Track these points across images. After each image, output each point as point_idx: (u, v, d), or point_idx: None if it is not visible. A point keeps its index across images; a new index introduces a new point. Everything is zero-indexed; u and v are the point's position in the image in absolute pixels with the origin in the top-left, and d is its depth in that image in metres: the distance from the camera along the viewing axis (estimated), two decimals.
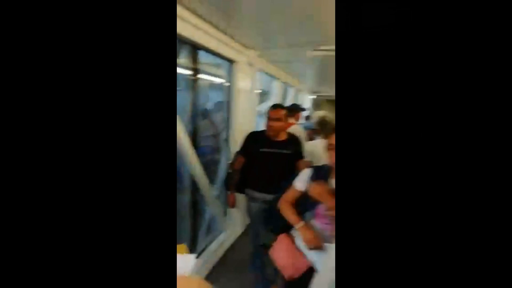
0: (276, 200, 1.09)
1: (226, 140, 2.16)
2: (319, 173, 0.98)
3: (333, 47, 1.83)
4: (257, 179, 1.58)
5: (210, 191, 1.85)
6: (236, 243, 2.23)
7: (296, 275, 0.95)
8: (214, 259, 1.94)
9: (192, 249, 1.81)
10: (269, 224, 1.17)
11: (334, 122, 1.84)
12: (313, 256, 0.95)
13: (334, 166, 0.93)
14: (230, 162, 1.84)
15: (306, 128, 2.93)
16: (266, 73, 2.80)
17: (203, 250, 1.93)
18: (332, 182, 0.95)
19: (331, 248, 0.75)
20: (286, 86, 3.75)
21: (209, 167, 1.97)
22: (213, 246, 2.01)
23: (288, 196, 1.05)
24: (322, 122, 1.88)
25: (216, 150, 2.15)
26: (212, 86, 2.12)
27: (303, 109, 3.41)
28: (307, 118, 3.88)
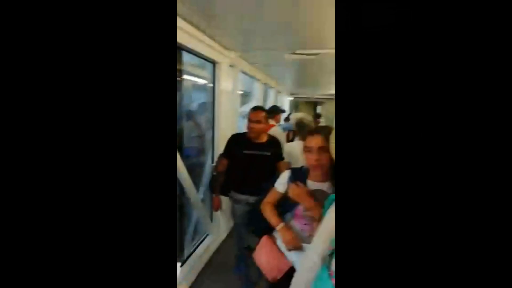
0: (259, 202, 1.11)
1: (211, 141, 2.15)
2: (297, 175, 1.01)
3: (310, 51, 1.93)
4: (239, 181, 1.59)
5: (195, 194, 1.83)
6: (222, 246, 2.22)
7: (279, 277, 0.97)
8: (200, 264, 1.92)
9: (179, 252, 1.77)
10: (252, 226, 1.18)
11: (311, 124, 1.90)
12: (292, 256, 0.97)
13: (310, 167, 0.96)
14: (214, 164, 1.84)
15: (285, 129, 3.02)
16: (248, 75, 2.84)
17: (190, 255, 1.90)
18: (309, 183, 0.98)
19: (308, 248, 0.78)
20: (266, 87, 3.83)
21: (194, 170, 1.94)
22: (199, 250, 1.98)
23: (270, 198, 1.07)
24: (300, 124, 1.91)
25: (201, 151, 2.13)
26: (196, 87, 2.11)
27: (283, 111, 3.48)
28: (286, 119, 3.99)
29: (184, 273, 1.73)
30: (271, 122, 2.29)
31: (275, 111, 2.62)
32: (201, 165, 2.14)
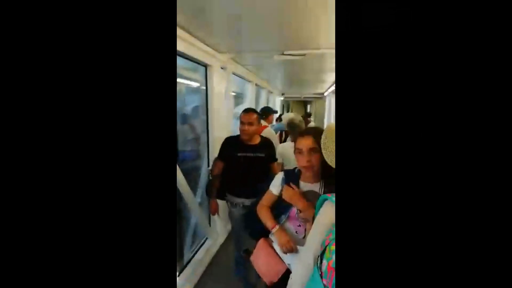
0: (255, 204, 1.11)
1: (206, 144, 2.14)
2: (290, 176, 1.02)
3: (298, 51, 1.94)
4: (235, 184, 1.59)
5: (192, 198, 1.82)
6: (221, 249, 2.21)
7: (276, 279, 0.97)
8: (201, 268, 1.91)
9: (179, 257, 1.76)
10: (249, 229, 1.18)
11: (302, 124, 1.91)
12: (288, 259, 0.98)
13: (302, 169, 0.96)
14: (210, 168, 1.83)
15: (277, 130, 3.04)
16: (239, 76, 2.85)
17: (190, 260, 1.89)
18: (302, 184, 0.99)
19: (302, 250, 0.78)
20: (258, 88, 3.85)
21: (191, 173, 1.93)
22: (199, 254, 1.98)
23: (265, 200, 1.07)
24: (291, 125, 1.91)
25: (197, 155, 2.12)
26: (189, 90, 2.10)
27: (275, 112, 3.50)
28: (278, 119, 4.02)
29: (186, 275, 1.73)
30: (264, 123, 2.30)
31: (267, 112, 2.61)
32: (197, 169, 2.13)
